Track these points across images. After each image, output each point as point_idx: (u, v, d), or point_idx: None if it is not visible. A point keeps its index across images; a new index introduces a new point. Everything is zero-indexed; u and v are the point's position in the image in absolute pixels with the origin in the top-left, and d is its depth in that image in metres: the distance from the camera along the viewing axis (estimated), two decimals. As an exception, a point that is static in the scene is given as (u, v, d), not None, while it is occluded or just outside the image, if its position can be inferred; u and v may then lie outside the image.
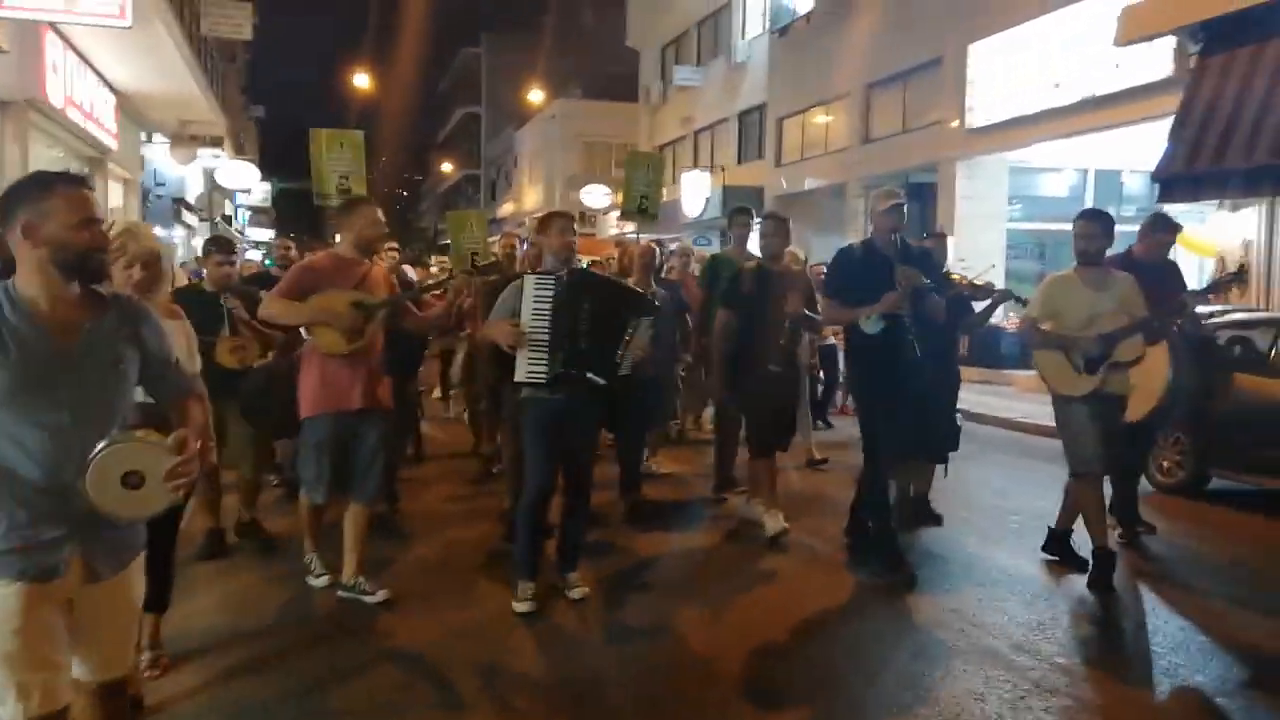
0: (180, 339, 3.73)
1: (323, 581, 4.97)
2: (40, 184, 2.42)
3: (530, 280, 4.74)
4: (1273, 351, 6.67)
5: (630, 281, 6.08)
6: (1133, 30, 10.32)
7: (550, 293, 4.64)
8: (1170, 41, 10.64)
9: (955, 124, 15.33)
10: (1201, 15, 9.74)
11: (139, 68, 13.08)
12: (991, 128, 14.56)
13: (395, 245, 8.46)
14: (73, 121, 12.04)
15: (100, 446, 2.24)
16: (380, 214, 4.86)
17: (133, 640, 2.70)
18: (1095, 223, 5.18)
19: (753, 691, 3.88)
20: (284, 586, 5.02)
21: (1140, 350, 5.12)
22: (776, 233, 6.01)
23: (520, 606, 4.74)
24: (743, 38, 23.57)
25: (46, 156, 11.78)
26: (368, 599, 4.75)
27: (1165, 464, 7.07)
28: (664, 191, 10.61)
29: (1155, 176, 9.69)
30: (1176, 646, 4.35)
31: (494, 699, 3.81)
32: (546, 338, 4.61)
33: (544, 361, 4.61)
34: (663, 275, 8.02)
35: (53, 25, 10.51)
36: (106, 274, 2.51)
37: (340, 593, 4.81)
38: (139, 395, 2.57)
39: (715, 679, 3.97)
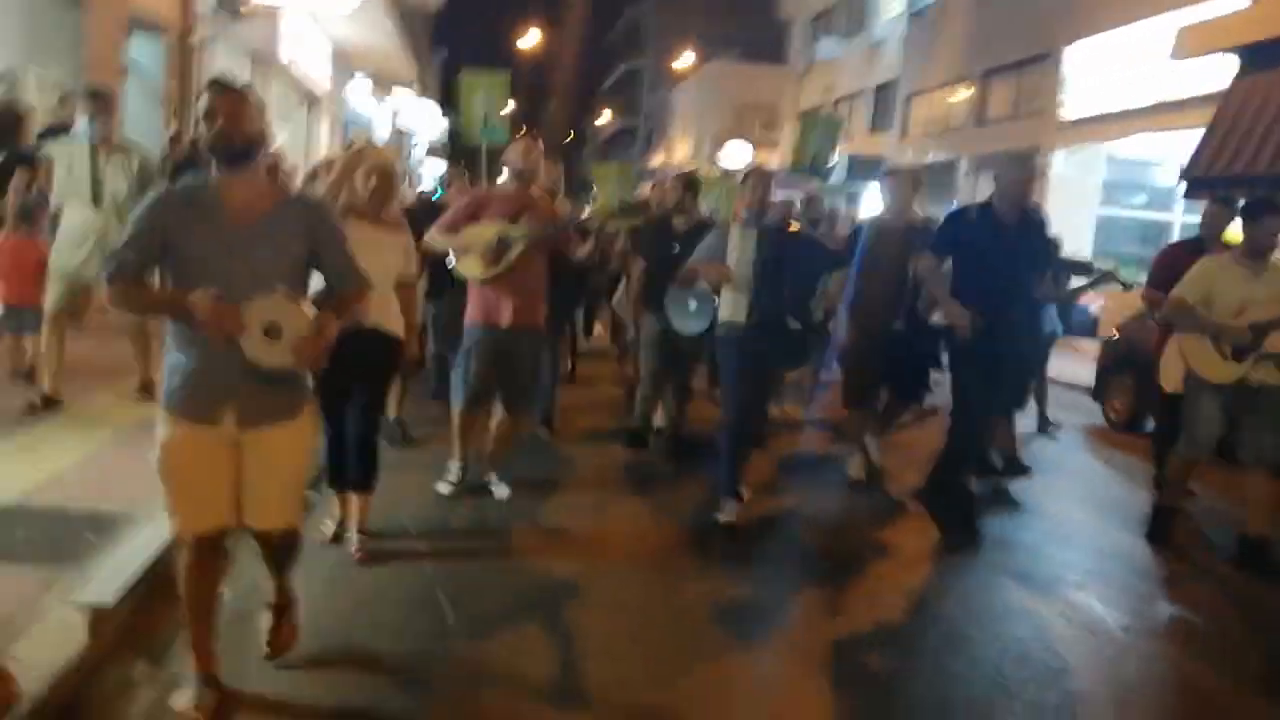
0: (400, 247, 4.27)
1: (445, 489, 5.20)
2: (208, 84, 2.80)
3: (737, 229, 5.15)
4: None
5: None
6: (1188, 47, 11.68)
7: (754, 243, 5.03)
8: (1224, 59, 11.90)
9: (1054, 114, 16.67)
10: (1248, 39, 11.03)
11: (352, 29, 15.95)
12: (1083, 121, 15.88)
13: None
14: (300, 69, 15.00)
15: (256, 297, 2.58)
16: (531, 146, 5.09)
17: (288, 502, 2.91)
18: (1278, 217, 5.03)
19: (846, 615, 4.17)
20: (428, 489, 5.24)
21: None
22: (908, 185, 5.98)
23: (723, 517, 5.09)
24: (882, 16, 24.93)
25: (279, 95, 14.74)
26: (494, 491, 5.16)
27: (1116, 405, 8.81)
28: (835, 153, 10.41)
29: (1183, 175, 11.14)
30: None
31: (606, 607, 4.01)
32: (750, 283, 5.01)
33: (745, 304, 5.01)
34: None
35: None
36: (241, 160, 2.68)
37: (480, 480, 5.22)
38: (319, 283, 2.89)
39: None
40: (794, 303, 5.01)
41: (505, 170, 5.18)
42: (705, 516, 5.18)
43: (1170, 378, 5.74)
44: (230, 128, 2.63)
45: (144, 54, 8.87)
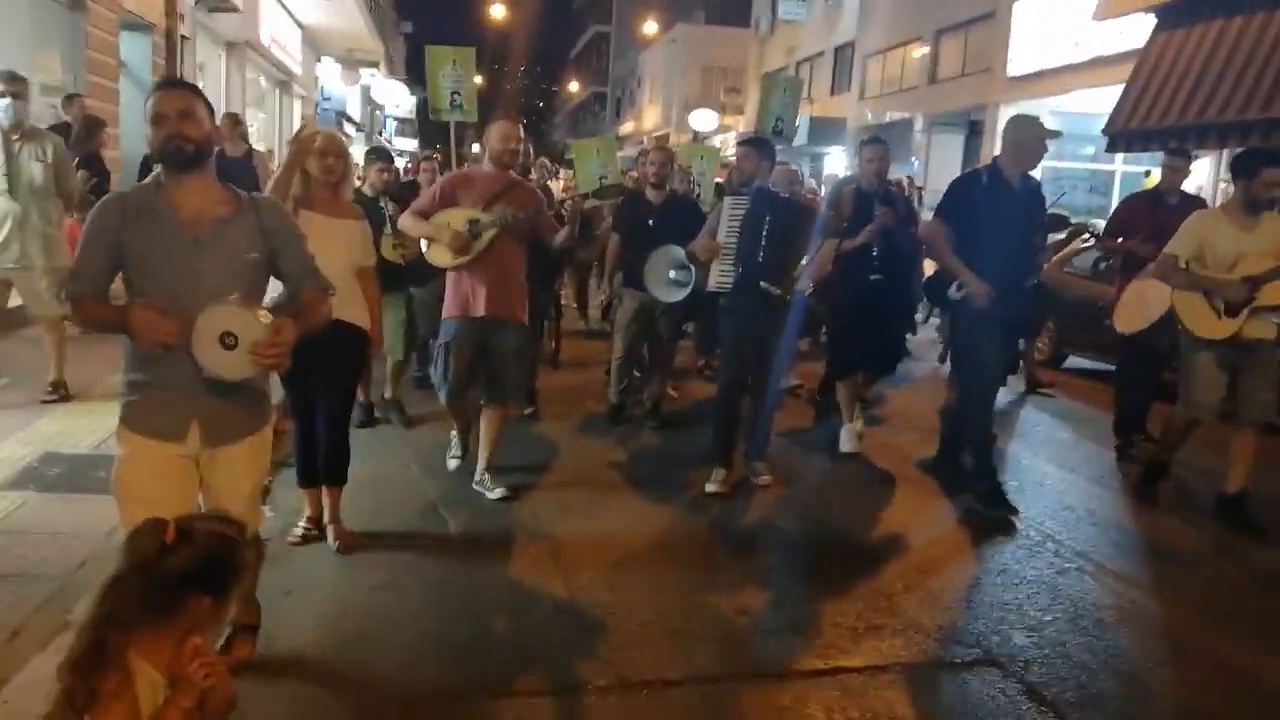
0: (357, 235, 4.20)
1: (454, 463, 5.32)
2: (152, 89, 2.71)
3: (729, 199, 5.21)
4: (1101, 265, 9.08)
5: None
6: (1110, 8, 12.50)
7: (741, 210, 5.06)
8: (1144, 18, 12.72)
9: (1001, 72, 17.46)
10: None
11: (322, 10, 16.50)
12: (1027, 77, 16.68)
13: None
14: (273, 55, 15.58)
15: (209, 307, 2.49)
16: (510, 129, 4.91)
17: (249, 509, 2.79)
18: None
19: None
20: (419, 469, 5.33)
21: None
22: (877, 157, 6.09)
23: (710, 487, 5.13)
24: (841, -23, 25.58)
25: (253, 82, 15.37)
26: (488, 494, 4.94)
27: (1040, 345, 9.70)
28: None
29: (1105, 131, 11.98)
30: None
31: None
32: (733, 250, 5.04)
33: (729, 271, 5.05)
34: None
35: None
36: (191, 166, 2.59)
37: (474, 485, 5.05)
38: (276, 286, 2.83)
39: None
40: (778, 269, 4.98)
41: (483, 151, 5.06)
42: (699, 508, 5.02)
43: (1126, 320, 6.04)
44: (180, 132, 2.56)
45: (133, 51, 9.51)
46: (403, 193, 6.10)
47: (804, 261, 5.03)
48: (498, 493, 4.93)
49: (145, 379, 2.62)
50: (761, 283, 4.95)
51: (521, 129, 5.14)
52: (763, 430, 5.35)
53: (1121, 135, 11.80)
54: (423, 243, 4.97)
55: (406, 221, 4.92)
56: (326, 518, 4.24)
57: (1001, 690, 3.34)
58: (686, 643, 3.51)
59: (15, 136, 5.59)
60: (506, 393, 4.99)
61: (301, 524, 4.24)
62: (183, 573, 1.79)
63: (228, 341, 2.49)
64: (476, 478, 5.03)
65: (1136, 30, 13.47)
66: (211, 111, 2.69)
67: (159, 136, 2.57)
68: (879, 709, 3.15)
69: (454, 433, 5.37)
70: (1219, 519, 5.13)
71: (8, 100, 5.58)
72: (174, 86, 2.72)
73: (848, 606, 3.89)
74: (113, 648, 1.75)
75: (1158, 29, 11.90)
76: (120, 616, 1.75)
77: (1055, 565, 4.52)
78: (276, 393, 3.57)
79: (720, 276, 5.07)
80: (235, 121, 8.29)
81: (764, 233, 4.96)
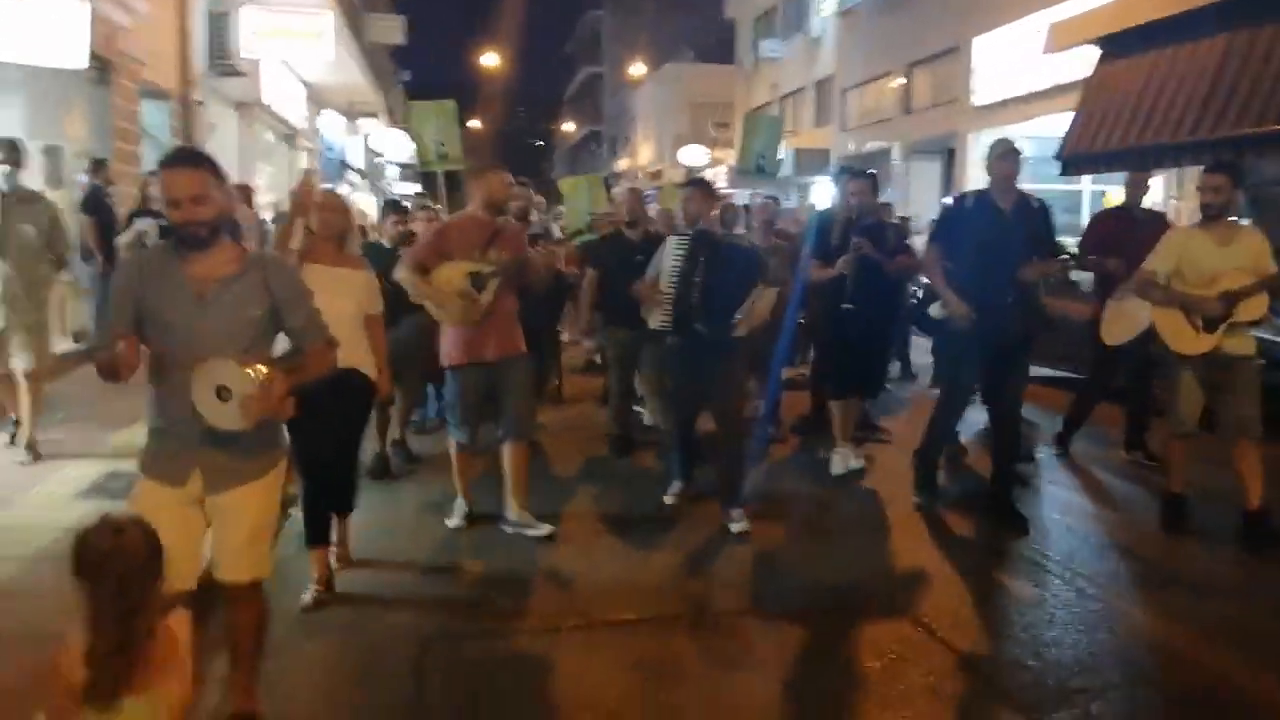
0: (362, 284, 4.28)
1: (454, 523, 5.15)
2: (161, 162, 2.81)
3: (671, 240, 5.35)
4: (1074, 282, 9.63)
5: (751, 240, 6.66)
6: (1058, 41, 13.35)
7: (682, 251, 5.20)
8: (1090, 49, 13.55)
9: (967, 102, 18.35)
10: (1107, 30, 12.69)
11: (325, 71, 17.46)
12: (992, 106, 17.56)
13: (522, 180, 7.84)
14: (279, 112, 16.52)
15: (207, 361, 2.60)
16: (500, 179, 5.03)
17: (253, 555, 2.84)
18: (1222, 174, 4.98)
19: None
20: (431, 512, 5.37)
21: (1264, 310, 4.92)
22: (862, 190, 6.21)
23: (667, 499, 5.46)
24: (819, 15, 26.59)
25: (261, 138, 16.29)
26: (530, 533, 4.93)
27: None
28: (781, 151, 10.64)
29: (1057, 156, 12.77)
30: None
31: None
32: (672, 290, 5.16)
33: (668, 311, 5.17)
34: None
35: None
36: (204, 245, 2.71)
37: (505, 528, 5.02)
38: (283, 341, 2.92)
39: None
40: (715, 311, 5.05)
41: (473, 197, 5.10)
42: (712, 549, 5.02)
43: (1114, 333, 6.25)
44: (192, 218, 2.67)
45: (153, 118, 10.39)
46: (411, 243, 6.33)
47: (742, 305, 5.07)
48: (544, 529, 4.95)
49: (159, 426, 2.80)
50: (696, 324, 5.07)
51: (512, 177, 5.28)
52: (737, 476, 5.30)
53: (1074, 159, 12.58)
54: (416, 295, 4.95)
55: (407, 278, 4.82)
56: (334, 540, 4.31)
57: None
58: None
59: (11, 201, 5.83)
60: (523, 426, 5.03)
61: (312, 588, 4.15)
62: (146, 561, 2.12)
63: (222, 395, 2.61)
64: (513, 518, 5.01)
65: (1089, 59, 14.31)
66: (221, 178, 2.81)
67: (174, 218, 2.70)
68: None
69: (458, 501, 5.20)
70: (1246, 539, 4.98)
71: (7, 168, 5.82)
72: (183, 163, 2.74)
73: (875, 651, 3.84)
74: (138, 632, 2.08)
75: (1102, 59, 12.71)
76: (135, 603, 2.08)
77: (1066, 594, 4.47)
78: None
79: (662, 316, 5.20)
80: (247, 194, 8.79)
81: (701, 275, 5.07)
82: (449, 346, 4.94)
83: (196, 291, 2.72)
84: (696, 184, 5.61)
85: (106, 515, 2.17)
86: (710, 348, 5.12)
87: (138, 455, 2.87)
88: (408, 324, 5.57)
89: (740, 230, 7.88)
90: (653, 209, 9.25)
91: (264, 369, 2.64)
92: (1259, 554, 4.90)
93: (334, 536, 4.39)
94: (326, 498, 4.27)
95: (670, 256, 5.24)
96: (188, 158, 2.77)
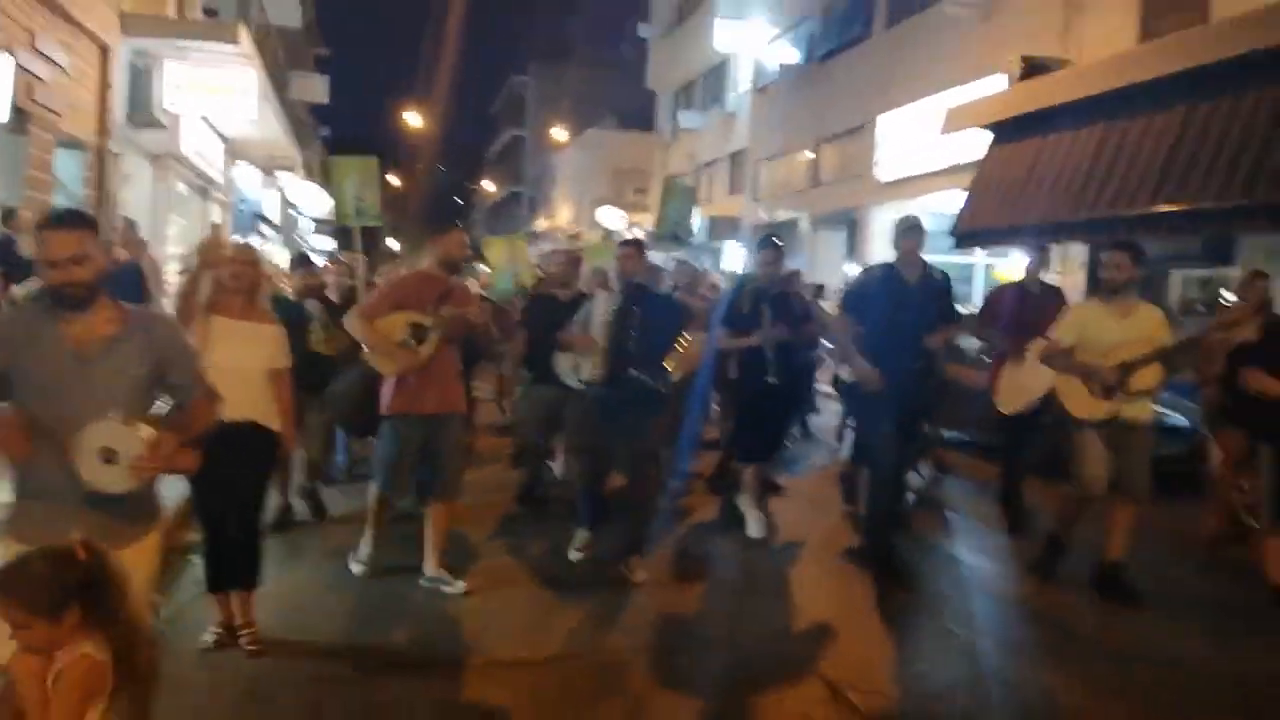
0: (269, 338, 4.27)
1: (359, 570, 5.23)
2: (41, 221, 2.73)
3: (601, 294, 5.63)
4: (970, 351, 10.21)
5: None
6: (953, 124, 14.24)
7: (614, 305, 5.39)
8: (982, 133, 14.47)
9: (871, 176, 19.27)
10: (998, 116, 13.61)
11: (246, 126, 17.44)
12: (894, 182, 18.49)
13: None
14: (195, 165, 16.44)
15: (90, 424, 2.56)
16: (462, 239, 5.20)
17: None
18: (1124, 253, 5.29)
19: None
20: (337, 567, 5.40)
21: (1159, 380, 5.24)
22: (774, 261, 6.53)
23: (572, 555, 5.54)
24: (734, 90, 27.64)
25: (175, 190, 16.17)
26: (446, 589, 5.01)
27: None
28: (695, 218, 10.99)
29: (951, 231, 13.54)
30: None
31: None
32: (603, 342, 5.32)
33: (600, 363, 5.32)
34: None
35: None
36: (83, 306, 2.65)
37: (421, 582, 5.08)
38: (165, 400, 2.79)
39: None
40: (648, 359, 5.25)
41: (429, 253, 5.28)
42: (616, 599, 5.14)
43: (1008, 402, 6.65)
44: (70, 280, 2.62)
45: (67, 169, 10.33)
46: (321, 294, 6.62)
47: (680, 351, 5.33)
48: (459, 587, 5.03)
49: (27, 489, 2.72)
50: (631, 370, 5.25)
51: (465, 239, 5.36)
52: (643, 526, 5.47)
53: (967, 234, 13.36)
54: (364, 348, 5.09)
55: (356, 325, 4.97)
56: (239, 620, 4.24)
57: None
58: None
59: None
60: (453, 488, 5.13)
61: (211, 629, 4.21)
62: (79, 582, 2.17)
63: (109, 457, 2.57)
64: (430, 574, 5.08)
65: (983, 141, 15.24)
66: (100, 241, 2.78)
67: (51, 278, 2.64)
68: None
69: (364, 541, 5.27)
70: (1098, 588, 5.37)
71: None
72: (63, 224, 2.69)
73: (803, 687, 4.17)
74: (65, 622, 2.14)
75: (994, 142, 13.59)
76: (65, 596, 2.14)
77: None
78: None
79: (592, 369, 5.37)
80: (129, 227, 8.76)
81: (636, 324, 5.29)
82: (389, 395, 5.02)
83: (77, 353, 2.68)
84: (633, 243, 5.89)
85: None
86: (640, 396, 5.29)
87: (3, 517, 2.78)
88: (351, 378, 5.69)
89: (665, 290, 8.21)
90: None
91: (149, 428, 2.62)
92: (1115, 602, 5.28)
93: (237, 619, 4.29)
94: (229, 554, 4.23)
95: (602, 310, 5.43)
96: (67, 219, 2.73)
